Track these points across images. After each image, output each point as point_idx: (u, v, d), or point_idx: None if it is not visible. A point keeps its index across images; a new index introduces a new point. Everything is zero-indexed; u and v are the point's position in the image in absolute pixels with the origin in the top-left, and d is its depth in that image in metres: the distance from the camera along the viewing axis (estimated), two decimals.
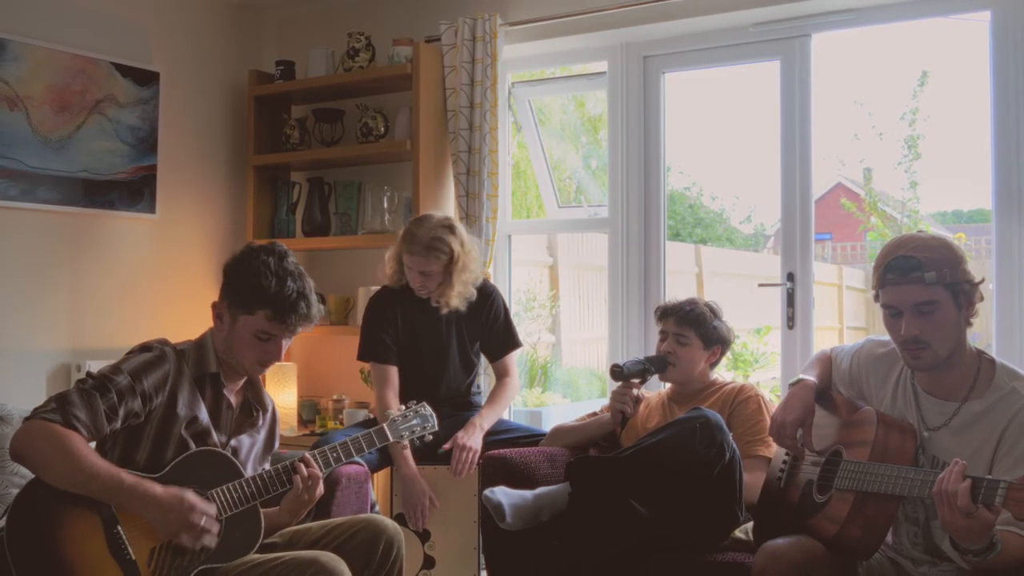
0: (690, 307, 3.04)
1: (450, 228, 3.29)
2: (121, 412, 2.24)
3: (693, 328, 3.02)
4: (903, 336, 2.21)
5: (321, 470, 2.45)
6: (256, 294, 2.36)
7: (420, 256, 3.24)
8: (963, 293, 2.19)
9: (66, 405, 2.19)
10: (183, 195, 4.24)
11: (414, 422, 2.67)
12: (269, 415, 2.58)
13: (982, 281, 2.22)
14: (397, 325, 3.38)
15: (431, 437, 2.71)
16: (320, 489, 2.43)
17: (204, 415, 2.38)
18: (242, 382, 2.51)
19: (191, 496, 2.23)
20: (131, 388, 2.26)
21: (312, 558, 2.26)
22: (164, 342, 2.43)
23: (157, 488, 2.20)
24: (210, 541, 2.25)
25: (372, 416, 3.55)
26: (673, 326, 3.05)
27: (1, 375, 3.58)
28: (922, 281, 2.16)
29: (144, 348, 2.40)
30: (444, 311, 3.33)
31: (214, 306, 2.45)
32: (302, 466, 2.38)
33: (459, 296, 3.31)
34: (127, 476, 2.19)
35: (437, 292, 3.29)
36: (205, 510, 2.24)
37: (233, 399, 2.48)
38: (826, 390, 2.50)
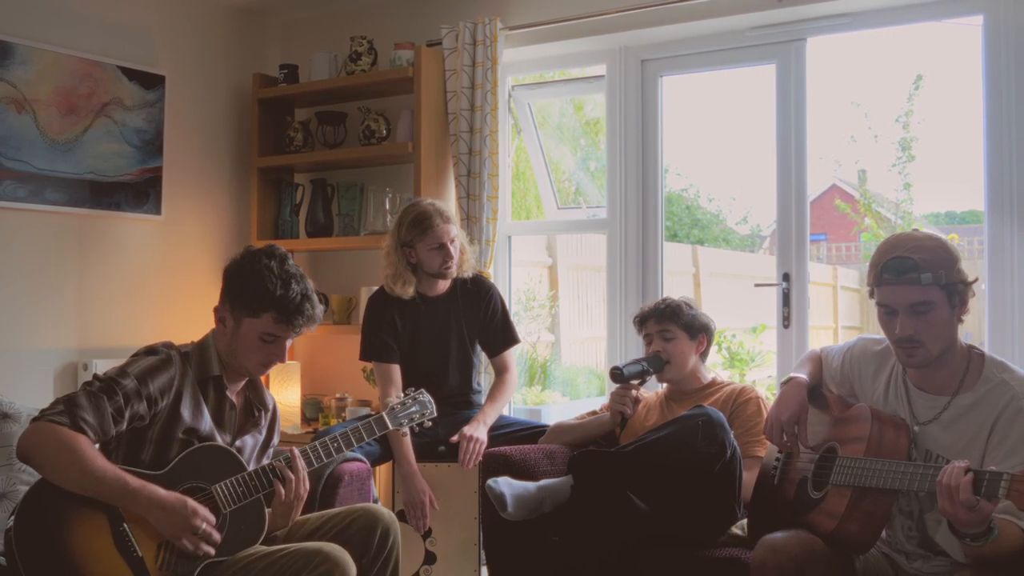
0: (664, 304, 3.15)
1: (432, 200, 3.50)
2: (127, 415, 2.26)
3: (673, 321, 3.10)
4: (897, 335, 2.23)
5: (322, 460, 2.48)
6: (261, 297, 2.38)
7: (443, 224, 3.35)
8: (957, 293, 2.21)
9: (74, 407, 2.21)
10: (188, 196, 4.28)
11: (413, 409, 2.71)
12: (270, 414, 2.61)
13: (975, 280, 2.25)
14: (396, 325, 3.42)
15: (430, 423, 2.75)
16: (305, 487, 2.43)
17: (206, 423, 2.40)
18: (244, 382, 2.53)
19: (194, 501, 2.26)
20: (137, 391, 2.28)
21: (317, 549, 2.29)
22: (169, 345, 2.45)
23: (161, 491, 2.22)
24: (209, 548, 2.26)
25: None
26: (654, 326, 3.13)
27: (8, 373, 3.61)
28: (918, 282, 2.17)
29: (150, 351, 2.42)
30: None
31: (216, 310, 2.47)
32: (287, 470, 2.40)
33: (472, 251, 3.49)
34: (132, 479, 2.20)
35: (459, 257, 3.42)
36: (207, 516, 2.26)
37: (236, 399, 2.50)
38: (817, 388, 2.54)
